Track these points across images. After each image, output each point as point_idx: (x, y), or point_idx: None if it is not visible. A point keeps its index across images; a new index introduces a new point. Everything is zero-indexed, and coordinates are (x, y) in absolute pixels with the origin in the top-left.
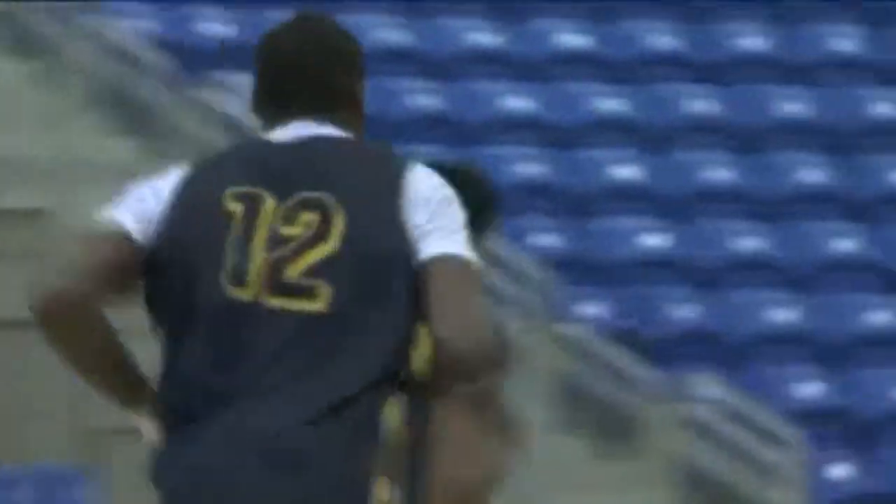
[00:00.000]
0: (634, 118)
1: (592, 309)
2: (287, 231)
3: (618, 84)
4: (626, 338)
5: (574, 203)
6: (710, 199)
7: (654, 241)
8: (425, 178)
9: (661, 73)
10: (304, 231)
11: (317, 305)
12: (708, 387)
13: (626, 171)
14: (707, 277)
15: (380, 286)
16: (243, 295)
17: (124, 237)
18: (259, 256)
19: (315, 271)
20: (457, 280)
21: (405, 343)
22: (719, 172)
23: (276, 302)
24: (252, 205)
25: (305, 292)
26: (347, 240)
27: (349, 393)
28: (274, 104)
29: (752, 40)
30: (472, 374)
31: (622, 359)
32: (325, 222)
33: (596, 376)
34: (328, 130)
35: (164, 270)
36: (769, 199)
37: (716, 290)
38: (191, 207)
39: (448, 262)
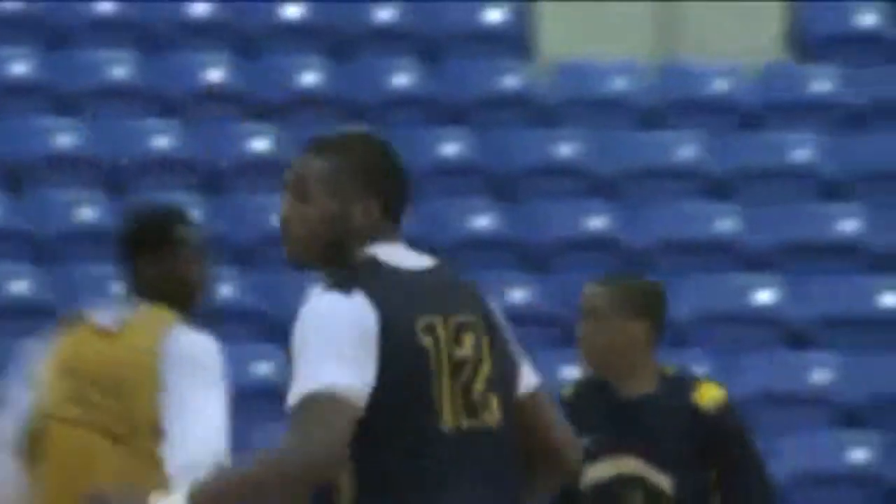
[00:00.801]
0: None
1: None
2: (460, 354)
3: None
4: None
5: None
6: None
7: None
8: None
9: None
10: (470, 352)
11: (495, 418)
12: None
13: None
14: None
15: (510, 401)
16: (447, 425)
17: (361, 405)
18: (449, 384)
19: (487, 386)
20: (551, 403)
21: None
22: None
23: (471, 423)
24: (435, 335)
25: (487, 408)
26: (495, 358)
27: None
28: (390, 220)
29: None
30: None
31: None
32: (479, 342)
33: None
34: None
35: (375, 413)
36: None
37: None
38: (395, 349)
39: (542, 388)
